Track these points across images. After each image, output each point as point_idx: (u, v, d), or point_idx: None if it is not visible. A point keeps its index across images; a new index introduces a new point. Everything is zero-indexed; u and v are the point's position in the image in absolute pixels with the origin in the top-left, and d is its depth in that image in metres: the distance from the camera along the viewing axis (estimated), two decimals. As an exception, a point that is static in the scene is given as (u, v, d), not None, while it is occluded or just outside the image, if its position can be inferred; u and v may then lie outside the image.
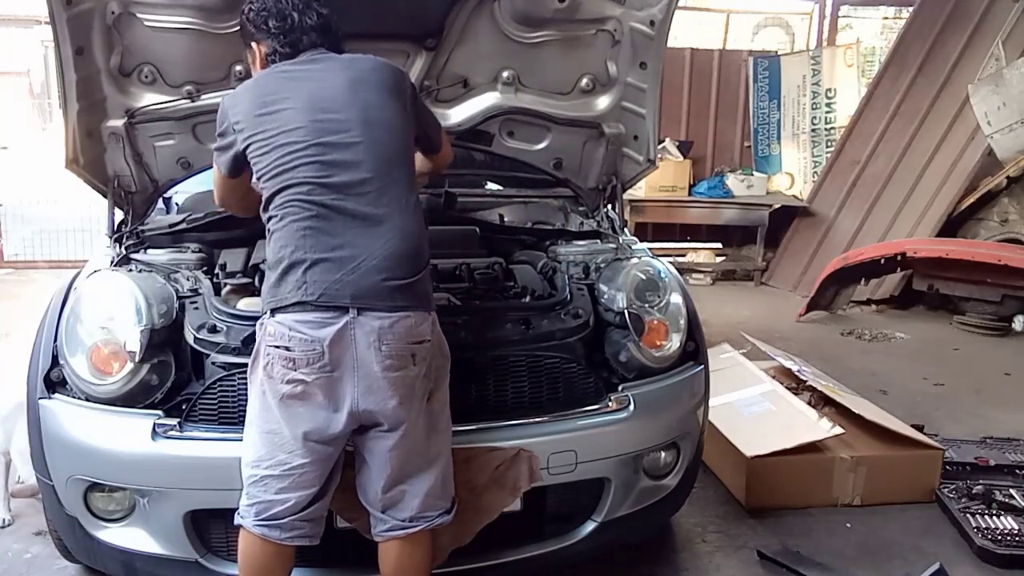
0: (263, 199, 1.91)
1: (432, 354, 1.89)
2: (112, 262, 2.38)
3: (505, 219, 3.06)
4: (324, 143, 1.86)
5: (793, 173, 7.99)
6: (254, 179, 1.95)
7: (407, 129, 2.00)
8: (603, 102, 2.85)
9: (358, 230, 1.83)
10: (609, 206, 3.01)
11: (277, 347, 1.79)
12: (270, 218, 1.89)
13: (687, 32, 8.16)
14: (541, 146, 2.94)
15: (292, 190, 1.84)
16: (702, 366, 2.46)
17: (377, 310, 1.80)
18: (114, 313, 2.08)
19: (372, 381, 1.80)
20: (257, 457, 1.86)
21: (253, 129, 1.89)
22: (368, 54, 2.06)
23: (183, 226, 2.62)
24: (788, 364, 3.68)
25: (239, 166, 1.99)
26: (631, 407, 2.24)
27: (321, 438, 1.82)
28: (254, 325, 2.09)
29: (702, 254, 7.76)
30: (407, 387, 1.83)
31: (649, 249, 2.84)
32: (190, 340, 2.11)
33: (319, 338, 1.77)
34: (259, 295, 2.31)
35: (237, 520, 1.89)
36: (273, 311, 1.82)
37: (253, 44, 2.06)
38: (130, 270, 2.31)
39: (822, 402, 3.39)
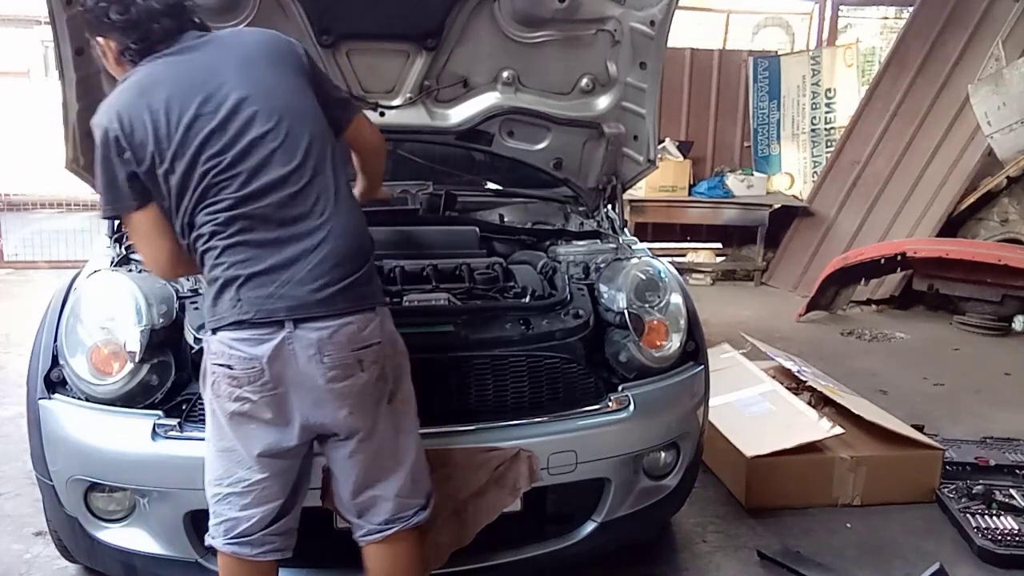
0: (182, 222, 1.75)
1: (385, 355, 1.79)
2: (112, 262, 2.37)
3: (505, 219, 3.07)
4: (239, 150, 1.70)
5: (793, 173, 7.99)
6: (167, 203, 1.76)
7: (317, 109, 1.81)
8: (603, 102, 2.86)
9: (288, 236, 1.71)
10: (609, 206, 3.01)
11: (220, 365, 1.72)
12: (196, 238, 1.75)
13: (687, 32, 8.16)
14: (541, 146, 2.95)
15: (213, 207, 1.71)
16: (702, 366, 2.46)
17: (315, 320, 1.69)
18: (114, 313, 2.07)
19: (318, 395, 1.72)
20: (217, 475, 1.81)
21: (153, 146, 1.69)
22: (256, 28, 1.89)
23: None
24: (788, 364, 3.68)
25: (144, 189, 1.75)
26: (631, 407, 2.24)
27: (276, 453, 1.77)
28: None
29: (702, 254, 7.77)
30: (357, 395, 1.75)
31: (649, 249, 2.84)
32: (190, 340, 2.10)
33: (257, 356, 1.68)
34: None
35: (208, 541, 1.84)
36: (213, 330, 1.74)
37: (100, 39, 1.79)
38: (130, 270, 2.30)
39: (822, 402, 3.39)
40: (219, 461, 1.81)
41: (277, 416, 1.73)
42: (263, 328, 1.69)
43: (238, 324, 1.69)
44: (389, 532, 1.87)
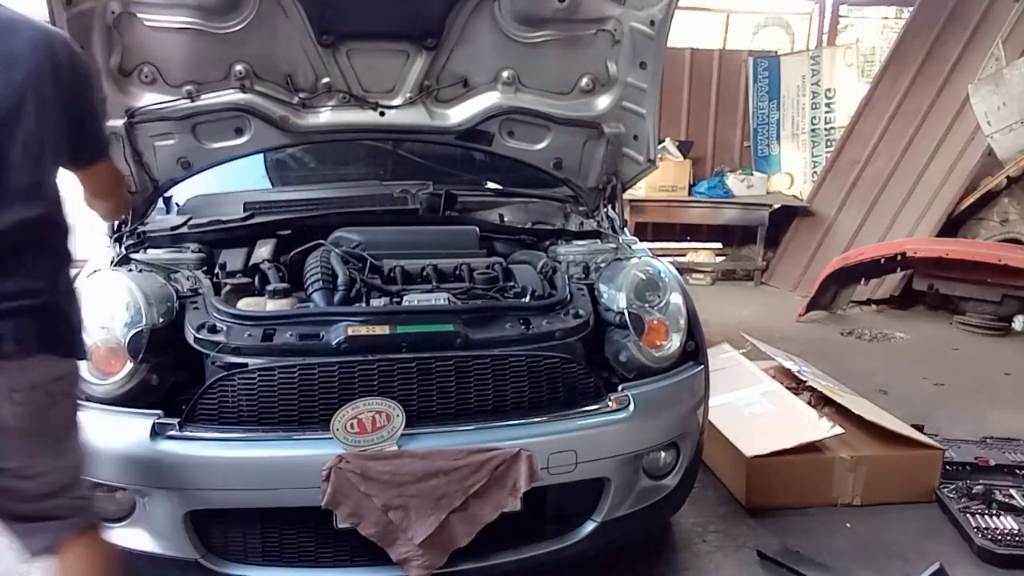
0: None
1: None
2: (112, 262, 2.38)
3: (505, 219, 3.07)
4: None
5: (793, 173, 7.99)
6: None
7: (59, 132, 1.60)
8: (603, 102, 2.86)
9: None
10: (609, 206, 3.02)
11: None
12: None
13: (687, 32, 8.15)
14: (541, 146, 2.95)
15: None
16: (702, 366, 2.46)
17: None
18: (114, 313, 2.08)
19: None
20: None
21: None
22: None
23: (184, 230, 2.63)
24: (788, 364, 3.69)
25: None
26: (631, 407, 2.24)
27: None
28: (254, 325, 2.10)
29: (702, 254, 7.77)
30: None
31: (649, 249, 2.84)
32: (190, 340, 2.11)
33: None
34: (259, 294, 2.32)
35: None
36: None
37: None
38: (130, 270, 2.31)
39: (822, 402, 3.39)
40: None
41: None
42: None
43: None
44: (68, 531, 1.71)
